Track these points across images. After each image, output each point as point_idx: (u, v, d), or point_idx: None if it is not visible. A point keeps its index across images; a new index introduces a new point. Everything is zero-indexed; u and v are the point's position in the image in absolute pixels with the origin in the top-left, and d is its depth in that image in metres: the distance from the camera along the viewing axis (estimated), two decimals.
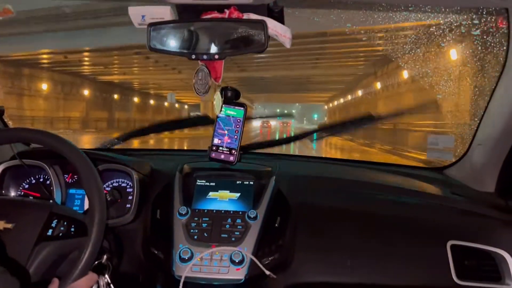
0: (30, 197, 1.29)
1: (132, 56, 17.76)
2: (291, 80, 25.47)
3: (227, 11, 0.88)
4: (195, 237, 1.13)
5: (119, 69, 22.60)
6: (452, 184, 1.48)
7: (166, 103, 34.14)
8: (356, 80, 22.67)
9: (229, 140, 1.25)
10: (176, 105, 37.63)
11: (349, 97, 26.93)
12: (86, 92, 23.89)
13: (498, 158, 1.30)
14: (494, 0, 0.84)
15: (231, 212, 1.18)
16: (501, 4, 0.99)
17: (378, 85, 18.26)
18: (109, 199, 1.16)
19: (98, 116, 24.11)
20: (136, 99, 29.79)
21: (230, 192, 1.24)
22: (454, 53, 5.48)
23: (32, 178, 1.32)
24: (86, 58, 19.59)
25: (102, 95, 24.93)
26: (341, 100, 31.19)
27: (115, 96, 26.95)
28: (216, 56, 0.89)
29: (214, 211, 1.19)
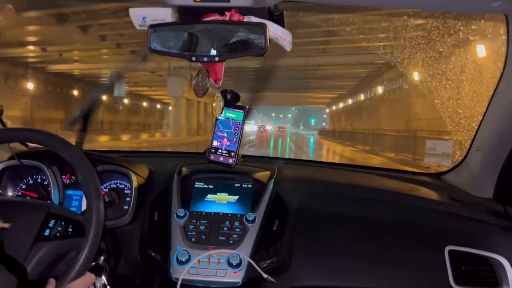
0: (27, 197, 1.29)
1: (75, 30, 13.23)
2: (290, 74, 21.45)
3: (227, 14, 0.88)
4: (193, 239, 1.13)
5: (65, 53, 17.91)
6: (450, 190, 1.48)
7: (144, 104, 31.04)
8: (373, 75, 19.26)
9: (228, 143, 1.24)
10: (158, 105, 34.68)
11: (362, 96, 23.39)
12: (30, 85, 19.25)
13: (496, 163, 1.31)
14: (493, 6, 0.84)
15: (229, 215, 1.18)
16: (501, 10, 1.00)
17: (408, 79, 13.85)
18: (107, 200, 1.16)
19: (48, 116, 19.64)
20: (104, 97, 25.81)
21: (229, 194, 1.24)
22: None
23: (30, 178, 1.32)
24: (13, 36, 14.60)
25: (55, 89, 20.78)
26: (349, 101, 27.39)
27: (75, 92, 22.72)
28: (217, 59, 0.89)
29: (212, 214, 1.19)
